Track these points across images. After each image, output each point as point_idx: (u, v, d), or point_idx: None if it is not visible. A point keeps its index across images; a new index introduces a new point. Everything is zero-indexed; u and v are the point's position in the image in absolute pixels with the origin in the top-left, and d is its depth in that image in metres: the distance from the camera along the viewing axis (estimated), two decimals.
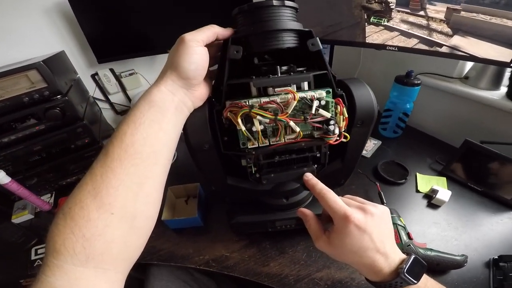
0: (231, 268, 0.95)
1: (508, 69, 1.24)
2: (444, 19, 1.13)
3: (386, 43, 1.26)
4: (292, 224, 0.94)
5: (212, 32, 0.60)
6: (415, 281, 0.57)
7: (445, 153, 1.30)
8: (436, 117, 1.50)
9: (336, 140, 0.67)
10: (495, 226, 1.02)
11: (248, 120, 0.62)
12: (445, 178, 1.21)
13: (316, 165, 0.77)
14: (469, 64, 1.36)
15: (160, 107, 0.53)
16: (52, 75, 1.17)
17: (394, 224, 0.93)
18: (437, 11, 1.13)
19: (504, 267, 0.86)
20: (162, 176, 0.55)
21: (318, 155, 0.75)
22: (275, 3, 0.61)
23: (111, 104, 1.85)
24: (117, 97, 1.86)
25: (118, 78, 1.77)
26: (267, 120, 0.62)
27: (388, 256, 0.58)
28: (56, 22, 1.51)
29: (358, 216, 0.58)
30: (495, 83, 1.29)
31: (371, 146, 1.42)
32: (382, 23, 1.25)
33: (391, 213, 0.94)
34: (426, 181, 1.20)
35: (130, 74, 1.76)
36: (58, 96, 1.23)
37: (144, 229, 0.52)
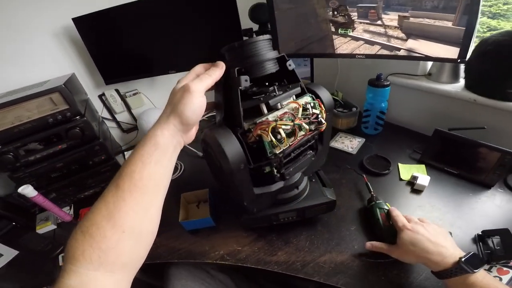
0: (244, 260, 1.02)
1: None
2: (397, 25, 1.22)
3: (354, 52, 1.36)
4: (294, 216, 1.02)
5: (213, 80, 0.68)
6: (474, 270, 0.70)
7: (421, 143, 1.39)
8: (409, 111, 1.60)
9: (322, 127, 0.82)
10: (474, 205, 1.11)
11: (273, 132, 0.73)
12: (424, 165, 1.30)
13: (312, 151, 0.92)
14: (430, 62, 1.46)
15: (163, 150, 0.61)
16: (73, 97, 1.23)
17: (381, 208, 1.04)
18: (391, 19, 1.22)
19: (490, 241, 0.92)
20: (162, 200, 0.63)
21: (313, 142, 0.91)
22: (260, 38, 0.76)
23: (118, 123, 1.89)
24: (123, 116, 1.90)
25: (123, 98, 1.82)
26: (288, 127, 0.73)
27: (449, 249, 0.77)
28: (65, 45, 1.55)
29: (406, 224, 0.89)
30: (454, 77, 1.39)
31: (356, 143, 1.50)
32: (349, 34, 1.34)
33: (378, 199, 1.08)
34: (407, 170, 1.29)
35: (134, 94, 1.81)
36: (77, 117, 1.29)
37: (147, 242, 0.61)
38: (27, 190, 1.14)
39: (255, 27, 1.68)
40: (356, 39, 1.34)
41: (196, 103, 0.62)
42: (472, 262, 0.72)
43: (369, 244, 0.95)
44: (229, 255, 1.04)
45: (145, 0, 1.41)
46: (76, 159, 1.34)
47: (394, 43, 1.27)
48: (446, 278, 0.75)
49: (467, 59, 1.12)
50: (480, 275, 0.70)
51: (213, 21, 1.52)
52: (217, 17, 1.50)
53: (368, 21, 1.29)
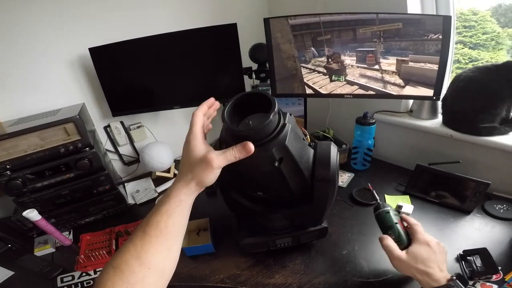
0: (243, 283, 1.01)
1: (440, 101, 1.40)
2: (396, 70, 1.27)
3: (344, 92, 1.42)
4: (289, 242, 1.05)
5: (237, 159, 0.65)
6: (463, 287, 0.75)
7: (405, 176, 1.41)
8: (394, 147, 1.64)
9: None
10: (455, 229, 1.14)
11: None
12: (408, 196, 1.34)
13: None
14: (411, 100, 1.52)
15: (185, 204, 0.66)
16: (85, 128, 1.24)
17: (396, 215, 0.95)
18: (390, 64, 1.27)
19: (471, 260, 0.97)
20: (182, 240, 0.67)
21: None
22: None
23: (120, 155, 1.85)
24: (125, 149, 1.86)
25: (127, 130, 1.79)
26: None
27: (443, 271, 0.80)
28: (78, 74, 1.55)
29: (432, 240, 0.86)
30: (433, 113, 1.45)
31: (346, 178, 1.52)
32: (341, 80, 1.39)
33: (384, 206, 0.97)
34: (393, 200, 1.32)
35: (138, 127, 1.80)
36: (87, 148, 1.29)
37: (168, 277, 0.65)
38: (32, 214, 1.14)
39: (254, 66, 1.72)
40: (351, 83, 1.39)
41: (215, 174, 0.66)
42: (461, 280, 0.76)
43: (384, 237, 0.90)
44: (229, 278, 1.04)
45: (158, 36, 1.45)
46: (82, 187, 1.33)
47: (391, 89, 1.32)
48: None
49: (442, 96, 1.19)
50: None
51: (217, 60, 1.57)
52: (221, 56, 1.56)
53: (365, 66, 1.32)
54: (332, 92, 1.45)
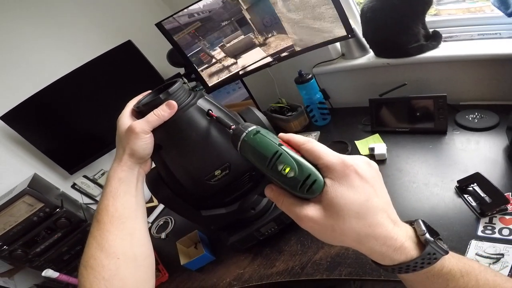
0: (249, 280, 0.93)
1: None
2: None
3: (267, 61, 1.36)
4: (274, 226, 0.95)
5: (161, 121, 0.60)
6: (446, 250, 0.36)
7: (367, 115, 1.27)
8: (345, 92, 1.52)
9: None
10: (439, 156, 1.00)
11: None
12: (377, 135, 1.20)
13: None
14: (337, 45, 1.41)
15: (128, 182, 0.58)
16: (42, 194, 1.17)
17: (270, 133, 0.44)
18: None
19: (472, 191, 0.79)
20: (144, 224, 0.60)
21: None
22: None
23: None
24: None
25: (94, 181, 1.59)
26: None
27: (397, 222, 0.38)
28: (11, 148, 1.37)
29: (359, 164, 0.37)
30: (363, 49, 1.35)
31: (312, 138, 1.36)
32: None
33: (248, 126, 0.45)
34: (364, 144, 1.19)
35: (102, 174, 1.60)
36: (57, 210, 1.22)
37: (146, 265, 0.57)
38: (49, 273, 1.09)
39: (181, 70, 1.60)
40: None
41: (144, 141, 0.59)
42: (432, 233, 0.37)
43: (269, 189, 0.42)
44: (234, 280, 0.95)
45: (64, 77, 1.27)
46: (76, 241, 1.28)
47: (233, 68, 1.36)
48: (408, 272, 0.37)
49: (360, 31, 1.15)
50: (452, 255, 0.37)
51: (136, 79, 1.42)
52: (138, 74, 1.43)
53: (206, 65, 1.35)
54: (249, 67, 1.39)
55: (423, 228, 0.37)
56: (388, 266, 0.37)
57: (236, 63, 1.36)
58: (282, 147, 0.39)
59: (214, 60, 1.33)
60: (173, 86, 0.63)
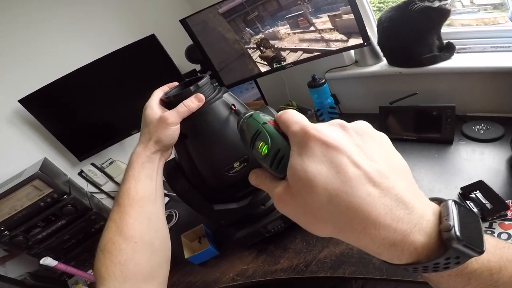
0: (252, 276, 0.94)
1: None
2: (333, 27, 1.16)
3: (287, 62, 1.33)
4: (282, 223, 0.96)
5: (190, 112, 0.64)
6: (479, 250, 0.24)
7: (376, 122, 1.28)
8: (356, 98, 1.53)
9: None
10: (444, 165, 1.02)
11: None
12: None
13: None
14: (351, 51, 1.42)
15: (149, 166, 0.61)
16: (52, 179, 1.18)
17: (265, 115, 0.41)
18: (324, 22, 1.15)
19: (474, 197, 0.81)
20: (162, 208, 0.63)
21: None
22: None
23: (107, 194, 1.66)
24: (109, 186, 1.68)
25: (101, 169, 1.62)
26: None
27: (410, 205, 0.25)
28: (25, 131, 1.39)
29: (320, 127, 0.29)
30: (376, 57, 1.36)
31: None
32: (285, 67, 1.33)
33: (248, 111, 0.45)
34: None
35: (110, 163, 1.63)
36: (65, 196, 1.22)
37: (162, 250, 0.59)
38: (48, 261, 1.09)
39: (198, 67, 1.62)
40: (295, 50, 1.29)
41: (172, 131, 0.62)
42: (467, 228, 0.24)
43: (253, 175, 0.37)
44: (238, 275, 0.97)
45: (84, 67, 1.30)
46: (79, 229, 1.28)
47: (335, 46, 1.21)
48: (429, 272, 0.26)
49: (376, 40, 1.15)
50: (490, 250, 0.25)
51: (154, 74, 1.43)
52: (157, 68, 1.43)
53: (301, 30, 1.22)
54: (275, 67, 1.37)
55: (450, 220, 0.24)
56: (390, 264, 0.27)
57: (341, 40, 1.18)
58: (266, 125, 0.36)
59: (312, 28, 1.19)
60: (202, 80, 0.67)
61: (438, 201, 0.28)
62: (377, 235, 0.25)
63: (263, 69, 1.39)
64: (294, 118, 0.32)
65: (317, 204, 0.27)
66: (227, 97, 0.70)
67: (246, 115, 0.41)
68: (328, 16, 1.13)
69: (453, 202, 0.26)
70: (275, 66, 1.31)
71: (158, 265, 0.57)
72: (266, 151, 0.34)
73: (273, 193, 0.32)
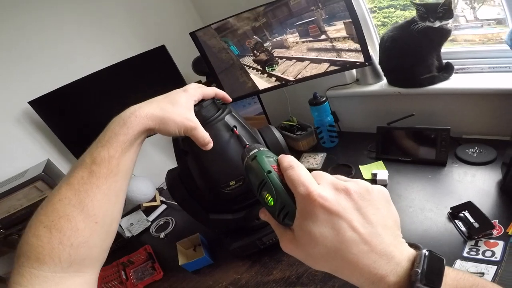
0: (245, 286, 0.97)
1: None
2: (347, 35, 1.14)
3: (300, 75, 1.33)
4: (276, 237, 0.97)
5: (210, 95, 0.67)
6: (437, 287, 0.31)
7: (373, 141, 1.34)
8: (355, 116, 1.58)
9: None
10: (436, 185, 1.07)
11: None
12: (381, 161, 1.26)
13: None
14: (353, 70, 1.47)
15: (140, 140, 0.55)
16: (55, 182, 1.18)
17: (270, 157, 0.45)
18: (338, 30, 1.13)
19: (463, 217, 0.87)
20: (127, 187, 0.55)
21: None
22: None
23: None
24: None
25: None
26: None
27: (390, 256, 0.33)
28: (31, 131, 1.43)
29: (325, 193, 0.35)
30: (377, 77, 1.40)
31: (319, 159, 1.45)
32: (275, 69, 1.33)
33: (254, 148, 0.48)
34: (368, 169, 1.25)
35: None
36: None
37: (114, 232, 0.52)
38: None
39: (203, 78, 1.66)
40: (302, 59, 1.28)
41: (173, 133, 0.57)
42: (432, 273, 0.32)
43: (262, 214, 0.44)
44: (231, 284, 1.00)
45: (95, 73, 1.35)
46: None
47: (348, 56, 1.18)
48: None
49: (378, 59, 1.17)
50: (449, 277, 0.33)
51: (161, 83, 1.47)
52: (164, 78, 1.48)
53: (311, 39, 1.19)
54: (285, 73, 1.37)
55: (419, 268, 0.31)
56: None
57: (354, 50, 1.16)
58: (270, 174, 0.41)
59: (323, 37, 1.15)
60: (206, 100, 0.69)
61: (415, 247, 0.35)
62: (362, 277, 0.33)
63: (261, 83, 1.40)
64: (300, 179, 0.37)
65: (318, 255, 0.35)
66: (229, 118, 0.75)
67: (251, 155, 0.46)
68: (344, 23, 1.09)
69: (425, 251, 0.33)
70: (268, 69, 1.33)
71: (107, 248, 0.50)
72: (272, 203, 0.39)
73: (280, 238, 0.40)
